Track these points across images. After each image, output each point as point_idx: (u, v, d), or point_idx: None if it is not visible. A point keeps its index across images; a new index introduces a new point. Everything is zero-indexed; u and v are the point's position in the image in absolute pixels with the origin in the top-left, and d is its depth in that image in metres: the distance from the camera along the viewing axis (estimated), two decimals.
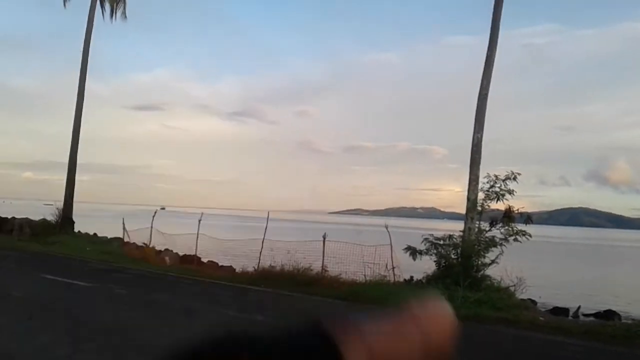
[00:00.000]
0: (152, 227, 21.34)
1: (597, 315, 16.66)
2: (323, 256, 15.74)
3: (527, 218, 15.25)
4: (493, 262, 14.73)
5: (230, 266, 20.38)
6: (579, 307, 17.44)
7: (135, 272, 16.30)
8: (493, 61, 15.92)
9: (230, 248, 22.14)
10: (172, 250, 22.71)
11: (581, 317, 16.21)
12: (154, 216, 20.93)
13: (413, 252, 15.73)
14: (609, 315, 16.41)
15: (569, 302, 17.76)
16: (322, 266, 15.59)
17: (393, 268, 15.26)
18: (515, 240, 14.88)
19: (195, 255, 21.56)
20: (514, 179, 15.35)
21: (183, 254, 22.13)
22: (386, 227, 15.79)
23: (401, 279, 15.54)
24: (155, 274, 16.32)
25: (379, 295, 13.45)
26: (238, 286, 14.88)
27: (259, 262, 16.81)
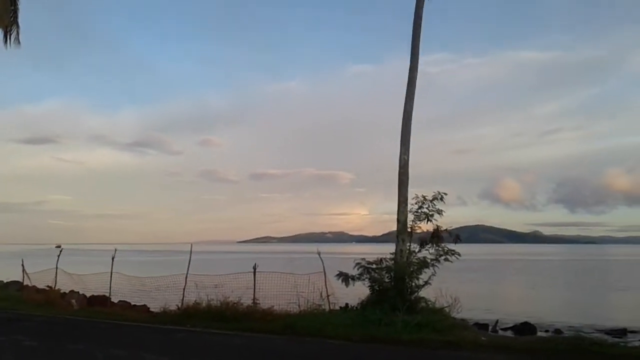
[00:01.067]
0: (57, 267, 19.32)
1: (514, 328, 17.12)
2: (254, 288, 14.87)
3: (456, 237, 15.28)
4: (426, 283, 14.58)
5: (144, 305, 18.82)
6: (497, 322, 17.84)
7: (42, 319, 14.58)
8: (415, 82, 16.06)
9: (145, 286, 20.51)
10: (78, 292, 20.74)
11: (499, 332, 16.55)
12: (59, 255, 18.95)
13: (345, 277, 15.26)
14: (526, 328, 16.90)
15: (481, 317, 18.18)
16: (254, 299, 14.70)
17: (328, 296, 14.69)
18: (446, 260, 14.84)
19: (104, 296, 19.87)
20: (441, 199, 15.39)
21: (90, 295, 20.27)
22: (319, 253, 15.27)
23: (336, 307, 14.98)
24: (64, 320, 14.67)
25: (316, 326, 12.85)
26: (161, 327, 13.65)
27: (183, 298, 15.56)
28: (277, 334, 12.55)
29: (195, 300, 15.21)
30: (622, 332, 16.38)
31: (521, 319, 17.98)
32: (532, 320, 17.49)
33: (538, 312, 21.10)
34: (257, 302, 14.83)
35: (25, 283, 20.67)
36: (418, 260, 14.85)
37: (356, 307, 14.81)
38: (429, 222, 15.10)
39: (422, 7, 16.24)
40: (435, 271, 14.57)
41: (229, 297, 14.80)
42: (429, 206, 15.39)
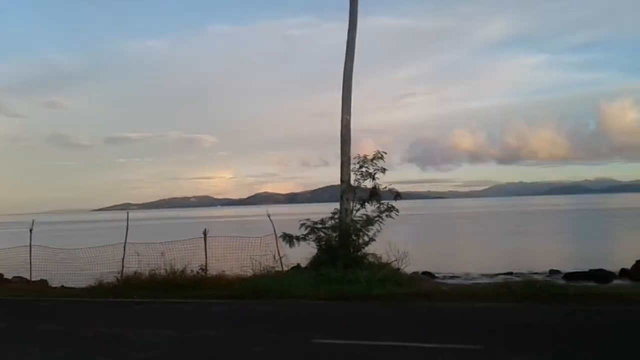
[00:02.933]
0: None
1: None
2: (206, 254, 14.21)
3: (397, 194, 15.77)
4: (371, 239, 14.98)
5: (44, 280, 17.11)
6: None
7: None
8: (354, 41, 16.07)
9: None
10: None
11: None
12: None
13: (290, 238, 15.21)
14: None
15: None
16: (206, 265, 14.08)
17: (281, 257, 14.52)
18: (388, 216, 15.31)
19: None
20: (381, 157, 15.72)
21: None
22: (268, 215, 14.93)
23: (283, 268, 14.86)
24: None
25: (279, 288, 12.71)
26: (111, 301, 12.63)
27: (122, 269, 14.42)
28: (239, 298, 12.22)
29: (135, 271, 14.20)
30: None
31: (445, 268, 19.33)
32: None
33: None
34: (204, 268, 14.21)
35: None
36: (363, 217, 15.17)
37: (306, 267, 14.88)
38: (373, 180, 15.37)
39: None
40: (380, 228, 15.01)
41: (174, 266, 14.01)
42: (368, 165, 15.66)
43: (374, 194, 15.69)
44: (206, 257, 14.21)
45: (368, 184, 15.58)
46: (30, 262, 15.44)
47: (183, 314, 10.77)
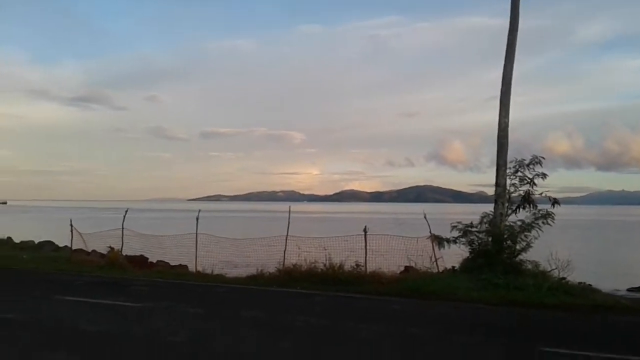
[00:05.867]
0: (121, 228, 18.27)
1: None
2: (366, 251, 14.46)
3: (554, 201, 15.26)
4: (528, 245, 14.59)
5: (184, 265, 18.06)
6: None
7: (146, 283, 13.82)
8: (515, 44, 15.67)
9: (161, 244, 19.65)
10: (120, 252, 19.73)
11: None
12: (124, 216, 17.84)
13: (440, 240, 15.16)
14: None
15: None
16: (365, 262, 14.33)
17: (437, 259, 14.50)
18: (545, 223, 14.82)
19: (141, 256, 19.12)
20: (539, 163, 15.26)
21: (125, 254, 19.36)
22: (425, 216, 14.93)
23: (439, 270, 14.82)
24: (169, 284, 14.07)
25: (444, 289, 12.69)
26: (277, 290, 13.17)
27: (284, 260, 15.01)
28: (404, 297, 12.29)
29: (294, 263, 14.73)
30: None
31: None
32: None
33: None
34: (360, 265, 14.47)
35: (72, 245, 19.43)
36: (521, 223, 14.80)
37: (462, 271, 14.73)
38: (533, 186, 14.95)
39: None
40: (538, 234, 14.58)
41: (331, 260, 14.39)
42: (524, 170, 15.26)
43: (528, 200, 15.30)
44: (366, 254, 14.42)
45: (524, 188, 15.25)
46: (197, 249, 16.40)
47: (368, 309, 10.97)
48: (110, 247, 17.85)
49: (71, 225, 19.01)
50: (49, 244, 22.13)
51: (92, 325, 8.62)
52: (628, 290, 17.09)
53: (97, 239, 19.65)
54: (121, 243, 18.23)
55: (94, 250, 19.71)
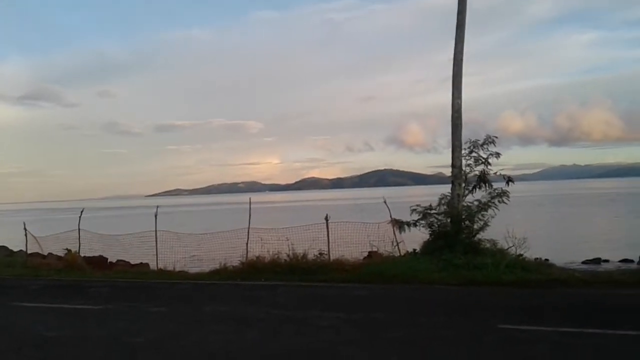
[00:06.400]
0: (78, 229, 17.80)
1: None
2: (328, 239, 14.51)
3: (509, 179, 15.62)
4: (485, 225, 14.93)
5: (145, 263, 17.79)
6: None
7: (106, 284, 13.51)
8: (464, 25, 15.87)
9: (117, 243, 19.30)
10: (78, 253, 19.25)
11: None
12: (80, 217, 17.36)
13: (401, 224, 15.36)
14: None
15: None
16: (329, 250, 14.39)
17: (398, 243, 14.68)
18: (501, 201, 15.19)
19: (100, 256, 18.75)
20: (492, 142, 15.57)
21: (83, 256, 18.94)
22: (384, 201, 15.08)
23: (401, 253, 15.02)
24: (130, 284, 13.82)
25: (405, 273, 12.88)
26: (243, 284, 13.10)
27: (247, 253, 14.92)
28: (367, 283, 12.44)
29: (258, 255, 14.67)
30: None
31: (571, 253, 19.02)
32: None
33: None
34: (323, 253, 14.53)
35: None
36: (478, 202, 15.12)
37: (422, 253, 14.97)
38: (488, 165, 15.26)
39: None
40: (495, 213, 14.94)
41: (293, 251, 14.40)
42: (479, 150, 15.57)
43: (484, 179, 15.64)
44: (329, 242, 14.49)
45: (479, 168, 15.55)
46: (157, 247, 16.15)
47: (332, 297, 11.03)
48: (67, 249, 17.37)
49: (25, 229, 18.45)
50: (2, 249, 21.37)
51: (52, 330, 8.39)
52: (582, 262, 17.74)
53: (53, 241, 19.19)
54: (78, 244, 17.80)
55: (50, 253, 19.19)
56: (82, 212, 17.83)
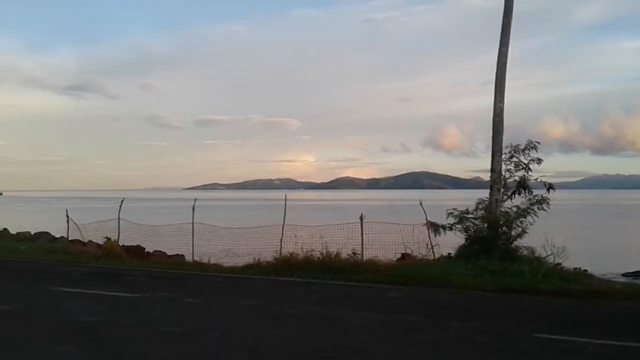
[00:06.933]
0: (117, 218, 18.28)
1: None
2: (362, 239, 14.50)
3: (549, 187, 15.30)
4: (523, 232, 14.64)
5: (181, 255, 18.11)
6: None
7: (143, 273, 13.87)
8: (509, 28, 15.61)
9: (154, 233, 19.67)
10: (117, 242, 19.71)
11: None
12: (120, 206, 17.84)
13: (436, 227, 15.21)
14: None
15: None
16: (362, 250, 14.38)
17: (433, 246, 14.56)
18: (540, 208, 14.87)
19: (138, 246, 19.18)
20: (534, 148, 15.28)
21: (122, 245, 19.39)
22: (420, 203, 14.96)
23: (435, 257, 14.87)
24: (166, 274, 14.13)
25: (439, 276, 12.75)
26: (276, 280, 13.23)
27: (281, 249, 15.05)
28: (401, 284, 12.37)
29: (291, 252, 14.77)
30: None
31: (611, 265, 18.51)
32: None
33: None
34: (357, 252, 14.51)
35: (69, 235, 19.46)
36: (517, 209, 14.84)
37: (457, 257, 14.79)
38: (529, 171, 14.98)
39: None
40: (534, 220, 14.64)
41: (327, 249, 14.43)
42: (519, 155, 15.29)
43: (523, 185, 15.35)
44: (362, 242, 14.48)
45: (519, 174, 15.27)
46: (193, 239, 16.43)
47: (364, 297, 11.05)
48: (106, 237, 17.86)
49: (67, 216, 19.05)
50: (45, 234, 22.19)
51: (89, 316, 8.63)
52: (623, 275, 17.20)
53: (93, 229, 19.73)
54: (118, 233, 18.28)
55: (90, 241, 19.80)
56: (122, 202, 18.31)
